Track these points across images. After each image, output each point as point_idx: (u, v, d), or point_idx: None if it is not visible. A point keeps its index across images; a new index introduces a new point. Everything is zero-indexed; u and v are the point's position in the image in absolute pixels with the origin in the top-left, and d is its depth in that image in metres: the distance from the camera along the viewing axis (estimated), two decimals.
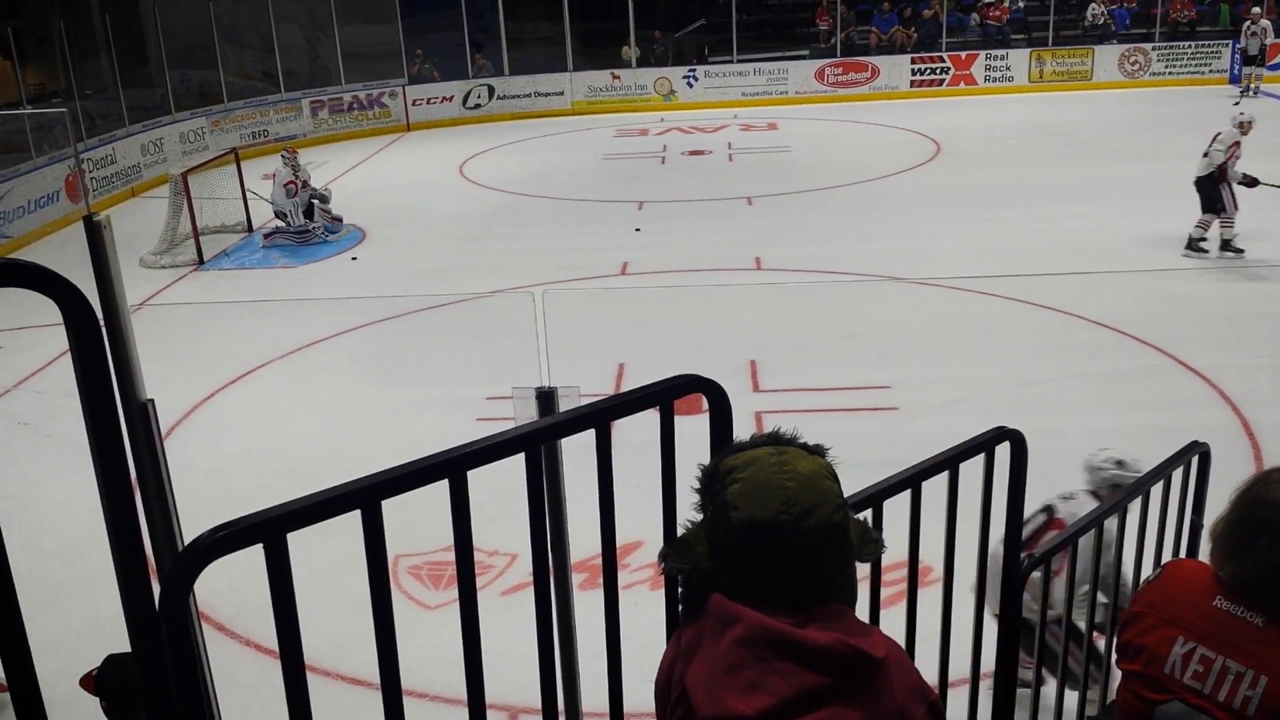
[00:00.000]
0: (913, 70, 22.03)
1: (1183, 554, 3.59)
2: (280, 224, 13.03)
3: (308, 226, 12.86)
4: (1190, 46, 21.53)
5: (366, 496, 1.65)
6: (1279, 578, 2.14)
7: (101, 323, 1.61)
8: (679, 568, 1.66)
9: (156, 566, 1.79)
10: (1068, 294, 9.43)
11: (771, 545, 1.55)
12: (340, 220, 13.26)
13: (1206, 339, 8.25)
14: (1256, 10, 19.57)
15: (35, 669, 1.51)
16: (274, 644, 1.65)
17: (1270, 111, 18.45)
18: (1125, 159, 15.23)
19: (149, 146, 17.32)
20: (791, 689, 1.49)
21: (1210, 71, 21.38)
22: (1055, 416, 7.01)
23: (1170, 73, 21.44)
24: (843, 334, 8.93)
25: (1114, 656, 2.50)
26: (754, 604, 1.55)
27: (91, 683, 2.90)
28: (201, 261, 12.20)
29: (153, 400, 1.94)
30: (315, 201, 13.06)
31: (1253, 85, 19.18)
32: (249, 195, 13.53)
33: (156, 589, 1.56)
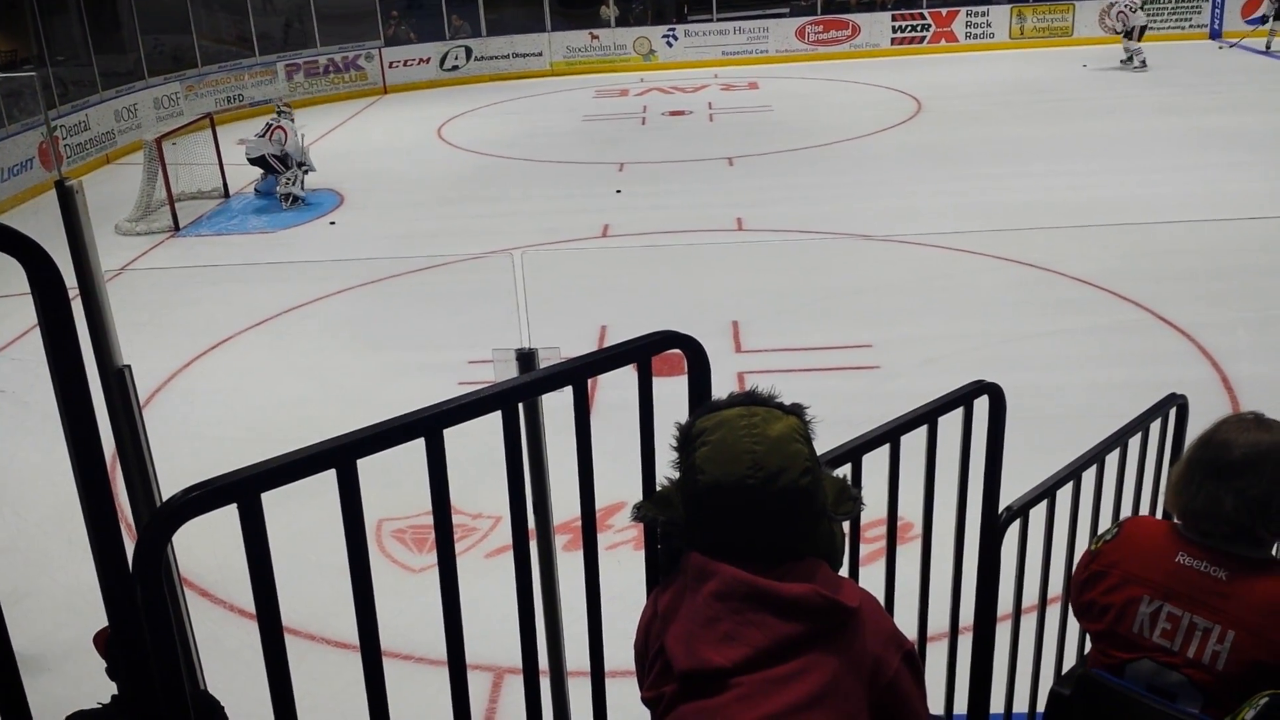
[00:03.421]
0: (893, 27, 21.91)
1: (1160, 507, 3.62)
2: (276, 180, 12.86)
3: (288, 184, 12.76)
4: (1171, 1, 21.46)
5: (341, 456, 1.65)
6: (1218, 513, 2.17)
7: (74, 285, 1.60)
8: (651, 516, 1.68)
9: (138, 532, 1.78)
10: (1048, 250, 9.46)
11: (738, 507, 1.57)
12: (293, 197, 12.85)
13: (1185, 294, 8.28)
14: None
15: (10, 636, 1.51)
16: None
17: (1251, 66, 18.47)
18: (1105, 115, 15.23)
19: (123, 112, 17.09)
20: (767, 639, 1.51)
21: (1191, 26, 21.35)
22: (1035, 372, 7.05)
23: (1151, 27, 21.34)
24: (825, 293, 8.94)
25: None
26: (729, 560, 1.57)
27: (102, 644, 2.86)
28: (177, 228, 12.08)
29: (129, 366, 1.93)
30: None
31: (1130, 53, 19.01)
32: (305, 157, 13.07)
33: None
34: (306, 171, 13.01)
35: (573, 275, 9.63)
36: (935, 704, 2.66)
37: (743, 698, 1.50)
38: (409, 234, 11.39)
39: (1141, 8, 19.32)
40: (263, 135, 12.76)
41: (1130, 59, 18.91)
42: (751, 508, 1.56)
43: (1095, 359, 7.33)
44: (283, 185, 12.76)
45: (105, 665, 2.18)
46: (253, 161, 12.91)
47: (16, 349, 8.50)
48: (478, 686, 4.37)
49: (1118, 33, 19.67)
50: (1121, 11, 19.31)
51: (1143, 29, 19.11)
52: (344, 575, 1.74)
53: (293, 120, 13.07)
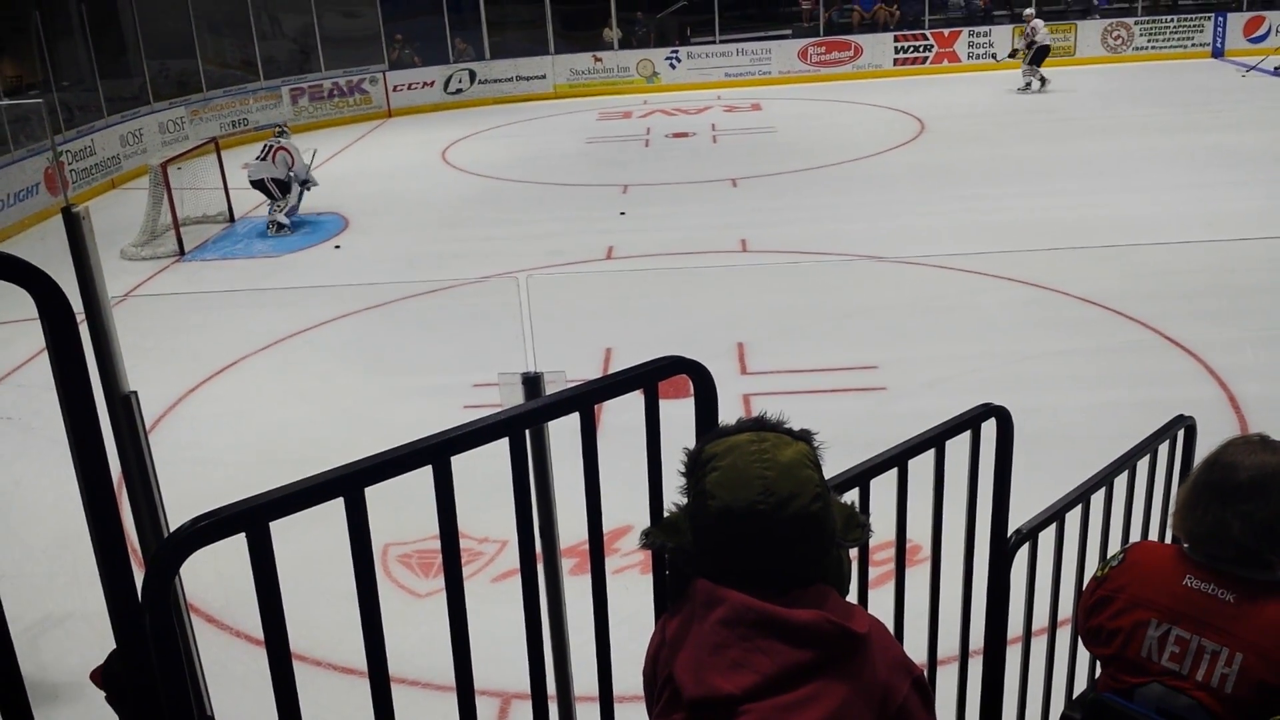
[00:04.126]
0: (896, 48, 22.00)
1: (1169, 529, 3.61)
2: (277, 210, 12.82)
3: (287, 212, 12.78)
4: (1173, 20, 21.54)
5: (349, 484, 1.64)
6: (1225, 536, 2.16)
7: (80, 313, 1.60)
8: (661, 543, 1.68)
9: (145, 560, 1.78)
10: (1053, 270, 9.46)
11: (748, 533, 1.56)
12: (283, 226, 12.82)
13: (1191, 313, 8.27)
14: (1029, 11, 19.75)
15: (19, 664, 1.50)
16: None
17: (1252, 85, 18.51)
18: (1108, 134, 15.26)
19: (128, 137, 17.17)
20: (776, 666, 1.50)
21: (1193, 45, 21.42)
22: (1042, 393, 7.03)
23: (1153, 47, 21.45)
24: (829, 314, 8.94)
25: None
26: (737, 587, 1.56)
27: (99, 677, 2.86)
28: (183, 253, 12.12)
29: (136, 393, 1.93)
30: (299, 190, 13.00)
31: (1028, 80, 19.08)
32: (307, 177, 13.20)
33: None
34: (309, 187, 13.02)
35: (577, 297, 9.64)
36: None
37: None
38: (414, 257, 11.42)
39: (1043, 30, 19.16)
40: (263, 159, 12.74)
41: (1029, 85, 18.88)
42: (762, 534, 1.55)
43: (1101, 379, 7.32)
44: (272, 212, 12.71)
45: (104, 695, 2.18)
46: (254, 185, 12.92)
47: (21, 375, 8.51)
48: (485, 712, 4.35)
49: (1020, 50, 19.36)
50: (1026, 33, 19.15)
51: (1044, 50, 19.00)
52: (351, 600, 1.73)
53: (290, 140, 13.08)
